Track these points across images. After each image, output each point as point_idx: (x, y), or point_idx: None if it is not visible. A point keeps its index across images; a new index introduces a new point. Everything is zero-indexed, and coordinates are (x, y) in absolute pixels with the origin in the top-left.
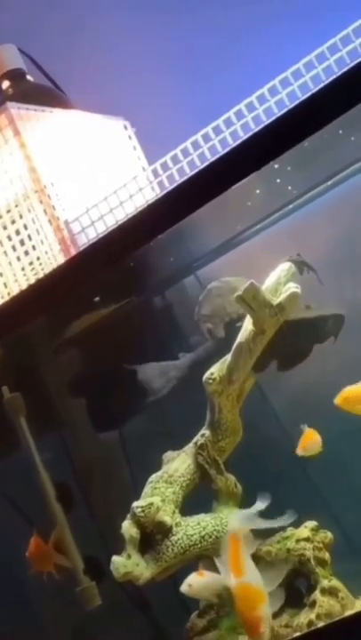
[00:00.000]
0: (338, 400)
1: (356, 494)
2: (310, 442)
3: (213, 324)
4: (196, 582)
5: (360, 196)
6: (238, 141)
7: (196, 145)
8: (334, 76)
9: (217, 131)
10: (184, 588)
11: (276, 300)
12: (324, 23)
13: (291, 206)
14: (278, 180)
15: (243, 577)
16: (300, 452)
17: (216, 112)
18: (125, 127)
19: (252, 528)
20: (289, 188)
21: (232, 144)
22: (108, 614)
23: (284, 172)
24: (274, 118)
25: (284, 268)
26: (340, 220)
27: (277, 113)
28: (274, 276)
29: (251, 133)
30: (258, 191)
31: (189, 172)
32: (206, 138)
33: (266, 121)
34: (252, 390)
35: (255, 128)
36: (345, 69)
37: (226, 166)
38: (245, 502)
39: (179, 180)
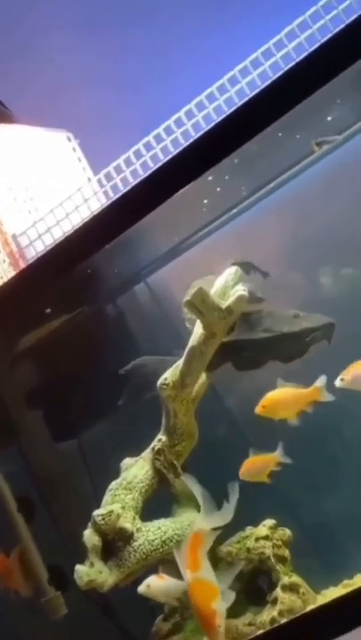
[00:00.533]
0: (258, 409)
1: (313, 492)
2: (253, 467)
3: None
4: (154, 584)
5: (303, 197)
6: (179, 149)
7: (138, 154)
8: (270, 81)
9: (158, 139)
10: (142, 588)
11: (224, 304)
12: (256, 29)
13: (234, 210)
14: (218, 189)
15: (198, 572)
16: (242, 476)
17: (158, 121)
18: (69, 139)
19: (214, 527)
20: (231, 193)
21: (173, 152)
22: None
23: (224, 179)
24: (213, 124)
25: (231, 271)
26: (284, 221)
27: (216, 119)
28: (221, 280)
29: (191, 140)
30: (202, 197)
31: (133, 181)
32: (148, 147)
33: (205, 127)
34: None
35: (195, 135)
36: (279, 74)
37: (168, 174)
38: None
39: (123, 189)
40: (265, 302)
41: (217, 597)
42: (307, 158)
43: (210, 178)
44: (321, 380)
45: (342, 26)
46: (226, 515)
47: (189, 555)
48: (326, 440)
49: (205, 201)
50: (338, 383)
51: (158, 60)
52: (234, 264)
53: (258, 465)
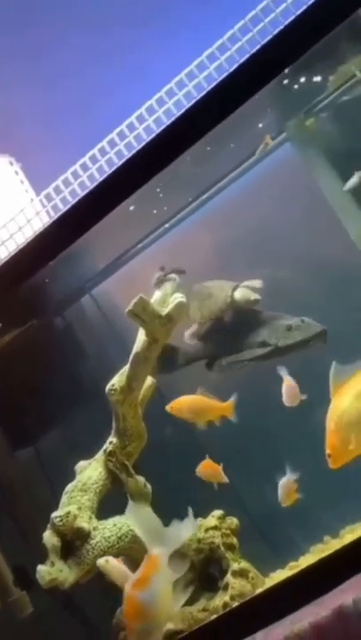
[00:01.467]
0: (168, 408)
1: (257, 484)
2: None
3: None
4: (113, 562)
5: (229, 208)
6: (113, 168)
7: (75, 174)
8: (201, 95)
9: (94, 160)
10: (101, 561)
11: (164, 311)
12: (187, 46)
13: (167, 225)
14: (161, 194)
15: (139, 592)
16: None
17: (94, 142)
18: (11, 163)
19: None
20: (165, 208)
21: (108, 171)
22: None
23: (158, 194)
24: (145, 143)
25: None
26: (214, 231)
27: (147, 138)
28: (162, 289)
29: (124, 160)
30: (137, 212)
31: (72, 200)
32: (84, 167)
33: (137, 146)
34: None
35: (128, 154)
36: (208, 89)
37: (105, 192)
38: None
39: (63, 208)
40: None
41: (146, 622)
42: (234, 170)
43: (145, 193)
44: (233, 398)
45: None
46: (181, 536)
47: (141, 574)
48: (269, 438)
49: (142, 214)
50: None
51: (93, 85)
52: (163, 277)
53: (210, 469)
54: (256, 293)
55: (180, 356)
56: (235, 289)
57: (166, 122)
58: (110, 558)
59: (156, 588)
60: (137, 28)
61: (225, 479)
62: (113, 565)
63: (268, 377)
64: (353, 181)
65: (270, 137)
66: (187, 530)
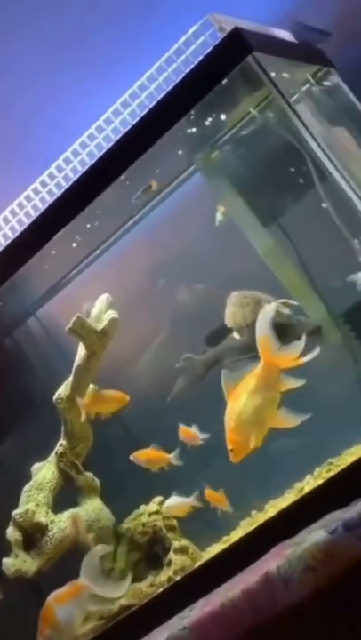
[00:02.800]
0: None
1: (192, 471)
2: (148, 456)
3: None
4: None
5: (152, 233)
6: (54, 197)
7: (21, 205)
8: (122, 133)
9: (36, 192)
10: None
11: (100, 327)
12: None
13: (103, 247)
14: (88, 225)
15: (57, 605)
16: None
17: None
18: None
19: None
20: (101, 232)
21: (50, 200)
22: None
23: (94, 218)
24: (74, 180)
25: (103, 298)
26: (141, 255)
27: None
28: (96, 307)
29: (60, 192)
30: (76, 237)
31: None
32: (28, 199)
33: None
34: None
35: (66, 184)
36: (128, 128)
37: (44, 223)
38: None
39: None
40: None
41: (54, 630)
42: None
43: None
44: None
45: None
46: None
47: (65, 591)
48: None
49: (80, 239)
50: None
51: (33, 117)
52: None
53: (152, 457)
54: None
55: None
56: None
57: (89, 162)
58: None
59: (69, 609)
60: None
61: (175, 461)
62: (80, 519)
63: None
64: (218, 218)
65: (155, 182)
66: None
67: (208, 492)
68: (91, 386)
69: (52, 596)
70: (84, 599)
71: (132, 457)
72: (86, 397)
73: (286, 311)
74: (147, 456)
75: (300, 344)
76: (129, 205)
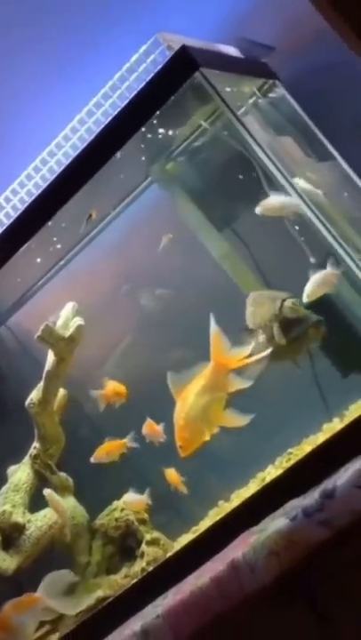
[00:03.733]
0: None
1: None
2: (106, 450)
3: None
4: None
5: (113, 243)
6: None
7: None
8: (80, 150)
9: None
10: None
11: (67, 333)
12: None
13: (68, 257)
14: (55, 238)
15: (14, 613)
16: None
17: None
18: None
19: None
20: (58, 246)
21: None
22: None
23: (58, 230)
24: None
25: (69, 306)
26: (103, 264)
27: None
28: (63, 315)
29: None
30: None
31: None
32: None
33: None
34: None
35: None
36: (85, 144)
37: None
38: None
39: None
40: None
41: (7, 634)
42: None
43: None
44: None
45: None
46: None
47: (23, 600)
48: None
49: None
50: None
51: None
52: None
53: (110, 448)
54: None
55: None
56: (284, 300)
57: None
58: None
59: (24, 618)
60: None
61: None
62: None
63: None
64: (163, 243)
65: (95, 211)
66: None
67: (168, 472)
68: (61, 390)
69: (8, 604)
70: (37, 611)
71: (92, 459)
72: (105, 389)
73: (291, 306)
74: (105, 451)
75: (250, 345)
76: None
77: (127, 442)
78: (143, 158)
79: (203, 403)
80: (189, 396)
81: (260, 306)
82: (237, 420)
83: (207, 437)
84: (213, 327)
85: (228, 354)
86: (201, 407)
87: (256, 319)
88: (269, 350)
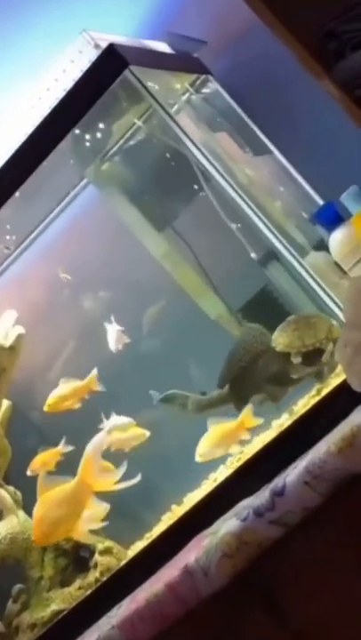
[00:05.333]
0: (46, 408)
1: None
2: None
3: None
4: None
5: (52, 248)
6: None
7: None
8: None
9: None
10: None
11: (7, 343)
12: None
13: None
14: None
15: None
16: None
17: None
18: None
19: None
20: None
21: None
22: None
23: None
24: None
25: (8, 315)
26: (42, 270)
27: None
28: (2, 324)
29: None
30: None
31: None
32: None
33: None
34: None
35: None
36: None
37: None
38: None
39: None
40: None
41: None
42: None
43: None
44: (94, 372)
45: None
46: None
47: None
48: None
49: None
50: None
51: None
52: None
53: (44, 459)
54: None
55: None
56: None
57: None
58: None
59: None
60: None
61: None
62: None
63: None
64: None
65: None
66: None
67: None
68: (5, 401)
69: None
70: None
71: (29, 473)
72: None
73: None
74: (39, 462)
75: (119, 472)
76: (24, 223)
77: (61, 448)
78: (77, 160)
79: (59, 513)
80: (49, 502)
81: (308, 328)
82: (93, 522)
83: (62, 538)
84: (89, 450)
85: (97, 477)
86: (57, 516)
87: (307, 340)
88: (138, 478)
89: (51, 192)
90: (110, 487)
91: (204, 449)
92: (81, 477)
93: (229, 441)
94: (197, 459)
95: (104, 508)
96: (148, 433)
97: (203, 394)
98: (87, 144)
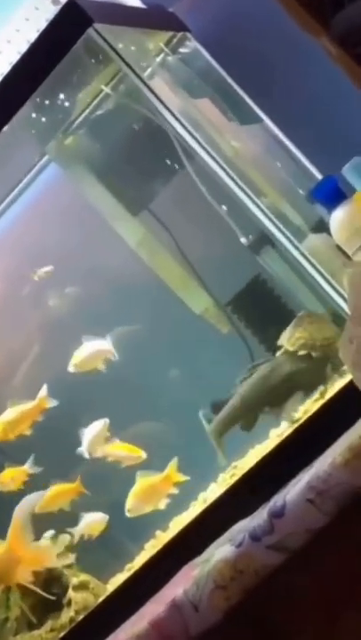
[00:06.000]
0: None
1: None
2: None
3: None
4: None
5: (16, 231)
6: None
7: None
8: None
9: None
10: None
11: None
12: None
13: None
14: None
15: None
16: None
17: None
18: None
19: None
20: None
21: None
22: None
23: None
24: None
25: None
26: (6, 253)
27: None
28: None
29: None
30: None
31: None
32: None
33: None
34: None
35: None
36: None
37: None
38: None
39: None
40: None
41: None
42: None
43: None
44: (43, 390)
45: None
46: None
47: None
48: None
49: None
50: None
51: None
52: None
53: (11, 475)
54: None
55: None
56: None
57: None
58: None
59: None
60: None
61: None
62: None
63: None
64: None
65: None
66: None
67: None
68: None
69: None
70: None
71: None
72: None
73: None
74: (8, 477)
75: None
76: None
77: (27, 469)
78: (36, 134)
79: None
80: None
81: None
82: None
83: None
84: (16, 514)
85: (26, 546)
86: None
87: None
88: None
89: (6, 172)
90: (36, 565)
91: (132, 504)
92: (10, 543)
93: (157, 495)
94: (127, 514)
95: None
96: (144, 454)
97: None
98: (47, 116)
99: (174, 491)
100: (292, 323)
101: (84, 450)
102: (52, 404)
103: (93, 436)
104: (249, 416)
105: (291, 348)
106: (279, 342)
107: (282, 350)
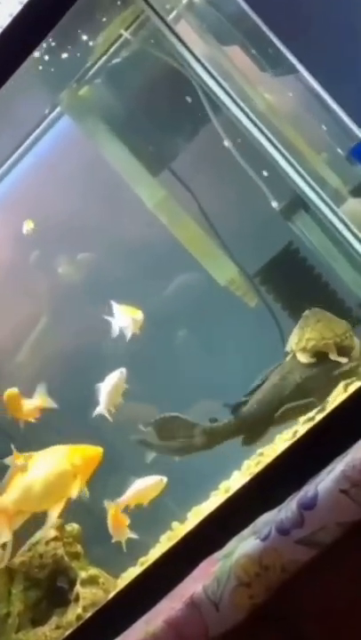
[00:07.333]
0: None
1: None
2: None
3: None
4: None
5: (18, 193)
6: None
7: None
8: None
9: None
10: None
11: None
12: None
13: None
14: None
15: None
16: None
17: None
18: None
19: None
20: None
21: None
22: None
23: None
24: None
25: None
26: (15, 216)
27: None
28: None
29: None
30: None
31: None
32: None
33: None
34: None
35: None
36: None
37: None
38: None
39: None
40: None
41: None
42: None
43: None
44: (41, 388)
45: None
46: None
47: None
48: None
49: None
50: None
51: None
52: None
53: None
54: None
55: None
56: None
57: None
58: None
59: None
60: None
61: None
62: None
63: None
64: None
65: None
66: None
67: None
68: None
69: None
70: None
71: None
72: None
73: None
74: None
75: None
76: None
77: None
78: (48, 83)
79: None
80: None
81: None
82: None
83: None
84: None
85: None
86: None
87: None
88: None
89: (15, 124)
90: None
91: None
92: None
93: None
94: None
95: None
96: (165, 479)
97: (213, 421)
98: (60, 63)
99: None
100: (297, 324)
101: (102, 408)
102: (52, 404)
103: (112, 387)
104: (253, 432)
105: (303, 355)
106: (287, 348)
107: (290, 355)
